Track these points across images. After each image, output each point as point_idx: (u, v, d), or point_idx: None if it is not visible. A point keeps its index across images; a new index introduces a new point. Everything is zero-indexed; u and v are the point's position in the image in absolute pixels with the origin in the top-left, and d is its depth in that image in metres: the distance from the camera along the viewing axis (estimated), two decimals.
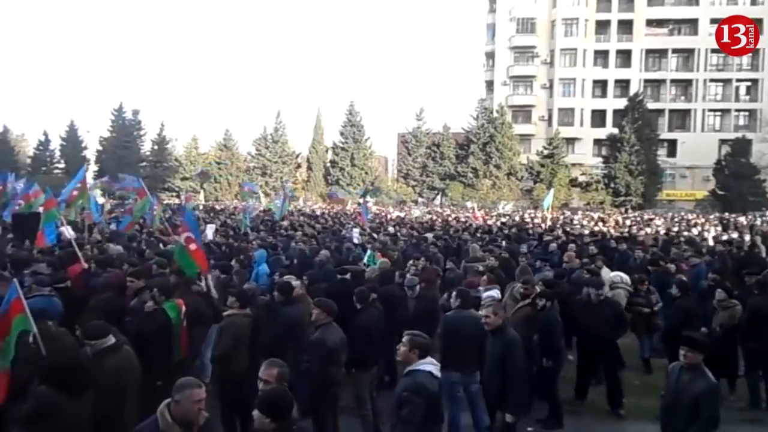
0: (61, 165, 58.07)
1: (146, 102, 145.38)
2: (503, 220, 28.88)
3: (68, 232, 11.39)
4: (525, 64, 63.07)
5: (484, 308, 6.52)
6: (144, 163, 57.67)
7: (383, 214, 33.44)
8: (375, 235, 16.44)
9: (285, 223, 20.80)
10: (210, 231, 15.10)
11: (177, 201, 45.47)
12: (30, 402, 4.43)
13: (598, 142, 60.00)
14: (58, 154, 59.59)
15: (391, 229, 18.66)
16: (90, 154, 60.11)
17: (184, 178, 56.75)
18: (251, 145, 62.40)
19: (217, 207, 35.23)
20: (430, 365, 4.84)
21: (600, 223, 27.19)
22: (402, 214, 33.13)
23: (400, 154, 62.98)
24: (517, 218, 30.65)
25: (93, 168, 58.83)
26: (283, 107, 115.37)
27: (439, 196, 46.65)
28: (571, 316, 8.23)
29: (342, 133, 59.74)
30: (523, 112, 63.15)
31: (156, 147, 60.02)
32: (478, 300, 7.48)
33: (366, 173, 58.76)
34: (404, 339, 4.98)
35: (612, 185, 52.55)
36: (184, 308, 6.91)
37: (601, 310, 7.93)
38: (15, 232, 14.51)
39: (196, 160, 58.60)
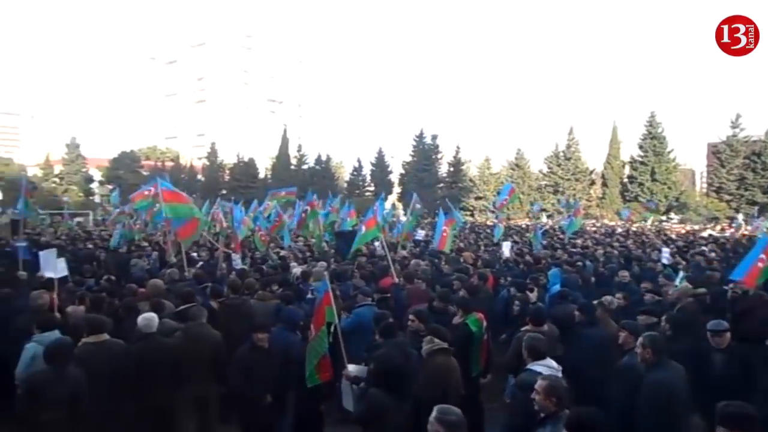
0: (371, 188, 64.93)
1: (444, 127, 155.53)
2: None
3: (383, 248, 12.53)
4: None
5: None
6: (440, 185, 61.36)
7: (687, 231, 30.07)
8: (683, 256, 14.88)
9: (579, 241, 20.18)
10: (506, 249, 15.24)
11: (471, 219, 47.20)
12: (363, 403, 4.87)
13: None
14: (368, 178, 66.76)
15: (705, 248, 16.63)
16: (394, 177, 66.21)
17: (477, 198, 58.93)
18: (543, 163, 61.99)
19: (511, 225, 35.52)
20: (541, 366, 5.09)
21: None
22: (714, 233, 29.35)
23: (711, 166, 56.13)
24: None
25: (396, 190, 64.86)
26: (575, 123, 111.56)
27: (755, 211, 40.21)
28: None
29: (641, 146, 55.53)
30: None
31: (452, 169, 63.34)
32: None
33: (669, 188, 53.66)
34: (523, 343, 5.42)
35: None
36: (485, 323, 7.04)
37: None
38: (337, 247, 16.64)
39: (488, 180, 60.35)
